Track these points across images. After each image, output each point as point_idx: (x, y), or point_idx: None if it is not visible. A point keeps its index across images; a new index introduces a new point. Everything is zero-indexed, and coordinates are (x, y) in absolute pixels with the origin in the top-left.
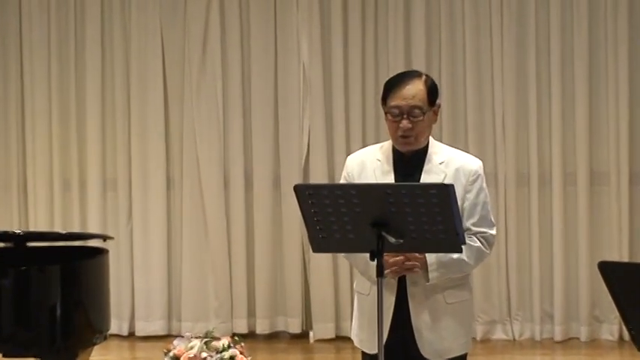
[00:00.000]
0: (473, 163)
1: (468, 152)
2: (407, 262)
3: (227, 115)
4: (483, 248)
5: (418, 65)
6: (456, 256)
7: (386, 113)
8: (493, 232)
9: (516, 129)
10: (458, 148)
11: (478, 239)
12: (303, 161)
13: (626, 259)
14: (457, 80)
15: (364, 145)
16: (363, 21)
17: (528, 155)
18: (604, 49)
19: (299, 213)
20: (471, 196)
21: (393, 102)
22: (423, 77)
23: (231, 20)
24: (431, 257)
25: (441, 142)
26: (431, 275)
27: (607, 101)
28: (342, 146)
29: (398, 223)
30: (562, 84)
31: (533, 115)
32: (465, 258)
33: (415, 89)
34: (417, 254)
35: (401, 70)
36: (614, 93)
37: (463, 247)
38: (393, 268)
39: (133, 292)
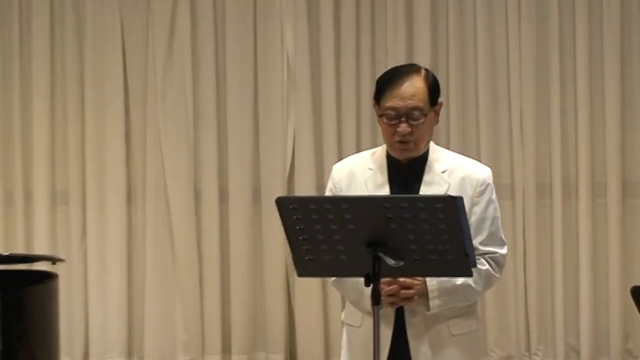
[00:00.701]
0: (481, 172)
1: (475, 159)
2: (403, 292)
3: (198, 116)
4: (493, 272)
5: (422, 59)
6: (460, 281)
7: (380, 116)
8: (504, 251)
9: (536, 133)
10: (464, 155)
11: (487, 261)
12: (288, 170)
13: None
14: (468, 77)
15: (358, 152)
16: (357, 6)
17: (550, 163)
18: (638, 42)
19: (282, 231)
20: (478, 209)
21: (389, 102)
22: (423, 72)
23: (203, 5)
24: (432, 283)
25: (449, 149)
26: (432, 304)
27: None
28: (332, 153)
29: (397, 242)
30: (590, 81)
31: (556, 116)
32: (472, 284)
33: (414, 87)
34: (415, 280)
35: (402, 64)
36: None
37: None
38: (389, 300)
39: (86, 324)
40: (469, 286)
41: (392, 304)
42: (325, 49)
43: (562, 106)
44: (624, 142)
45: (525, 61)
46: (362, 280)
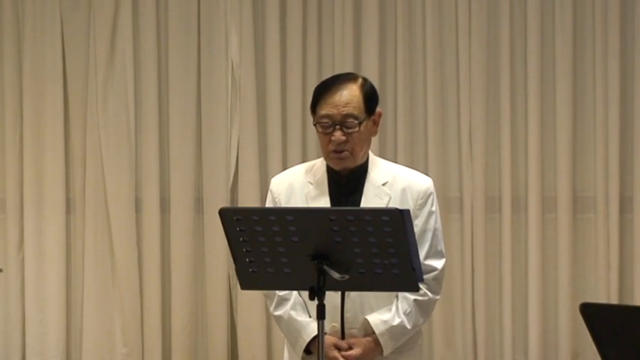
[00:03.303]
0: (422, 182)
1: (421, 171)
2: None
3: (139, 125)
4: (433, 296)
5: (369, 69)
6: (402, 324)
7: (316, 125)
8: (440, 264)
9: (486, 146)
10: (407, 166)
11: (426, 286)
12: (231, 180)
13: (615, 301)
14: (416, 88)
15: (305, 162)
16: (304, 12)
17: (500, 176)
18: (591, 51)
19: (225, 242)
20: (420, 221)
21: (324, 110)
22: (359, 80)
23: (146, 10)
24: (380, 329)
25: (396, 161)
26: (385, 349)
27: (594, 113)
28: (277, 163)
29: (343, 256)
30: (541, 92)
31: (506, 128)
32: (417, 323)
33: (349, 95)
34: (353, 352)
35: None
36: (602, 103)
37: (412, 305)
38: None
39: (23, 335)
40: (415, 326)
41: None
42: (271, 58)
43: (512, 118)
44: (575, 156)
45: (475, 72)
46: (300, 327)
